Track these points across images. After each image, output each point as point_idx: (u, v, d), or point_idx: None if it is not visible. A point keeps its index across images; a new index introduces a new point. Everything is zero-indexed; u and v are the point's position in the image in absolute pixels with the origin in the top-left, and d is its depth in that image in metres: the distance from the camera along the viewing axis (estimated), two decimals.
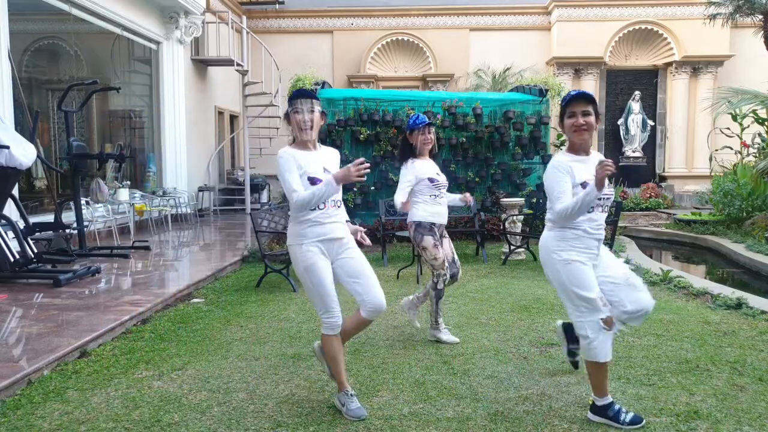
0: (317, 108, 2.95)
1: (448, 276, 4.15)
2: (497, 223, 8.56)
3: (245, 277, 6.53)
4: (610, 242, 6.70)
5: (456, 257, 4.30)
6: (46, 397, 3.18)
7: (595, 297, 2.73)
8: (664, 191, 13.89)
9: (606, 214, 2.89)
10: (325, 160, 2.98)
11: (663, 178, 14.86)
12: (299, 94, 2.95)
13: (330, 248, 2.94)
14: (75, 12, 8.57)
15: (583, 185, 2.71)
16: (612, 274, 2.87)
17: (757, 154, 10.58)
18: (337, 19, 15.18)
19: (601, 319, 2.72)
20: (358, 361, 3.76)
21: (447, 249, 4.22)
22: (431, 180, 4.10)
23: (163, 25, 10.75)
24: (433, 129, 4.18)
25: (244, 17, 14.81)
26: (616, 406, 2.81)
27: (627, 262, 6.94)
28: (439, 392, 3.24)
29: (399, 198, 4.10)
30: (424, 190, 4.12)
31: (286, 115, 3.02)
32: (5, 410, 3.02)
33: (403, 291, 5.73)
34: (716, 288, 5.55)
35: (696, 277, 6.30)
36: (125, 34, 9.89)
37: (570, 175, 2.75)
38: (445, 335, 4.17)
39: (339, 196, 2.97)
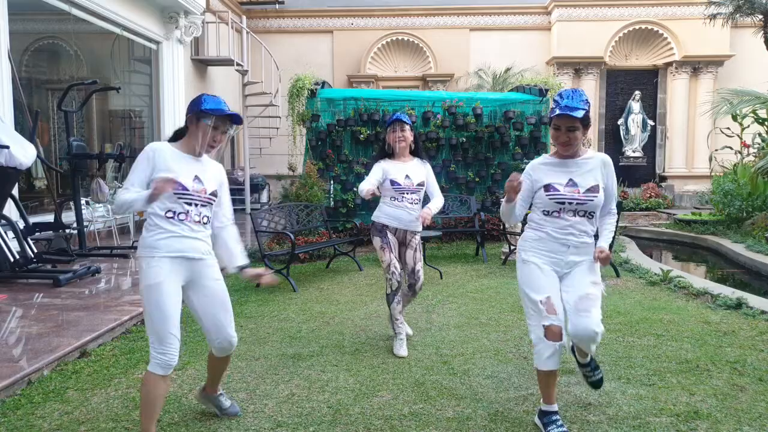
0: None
1: (394, 281, 3.92)
2: (497, 223, 8.56)
3: None
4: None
5: (418, 269, 4.03)
6: (46, 397, 3.18)
7: (538, 300, 2.67)
8: (664, 191, 13.88)
9: (586, 220, 2.72)
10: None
11: (663, 178, 14.85)
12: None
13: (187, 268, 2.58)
14: (75, 12, 8.57)
15: (546, 188, 2.73)
16: (568, 294, 2.73)
17: (757, 154, 10.57)
18: (337, 19, 15.17)
19: (544, 325, 2.65)
20: (358, 361, 3.76)
21: (409, 258, 4.02)
22: (393, 182, 3.91)
23: (163, 25, 10.75)
24: (407, 127, 3.94)
25: (244, 17, 14.80)
26: (553, 417, 2.73)
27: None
28: (439, 392, 3.24)
29: (363, 185, 3.84)
30: (386, 191, 3.97)
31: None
32: (5, 410, 3.02)
33: None
34: (716, 288, 5.55)
35: (696, 277, 6.30)
36: (125, 34, 9.88)
37: (529, 179, 2.79)
38: (395, 347, 3.92)
39: (206, 211, 2.63)
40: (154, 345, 2.48)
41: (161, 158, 2.52)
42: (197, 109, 2.56)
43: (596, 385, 3.02)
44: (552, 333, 2.64)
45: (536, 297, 2.69)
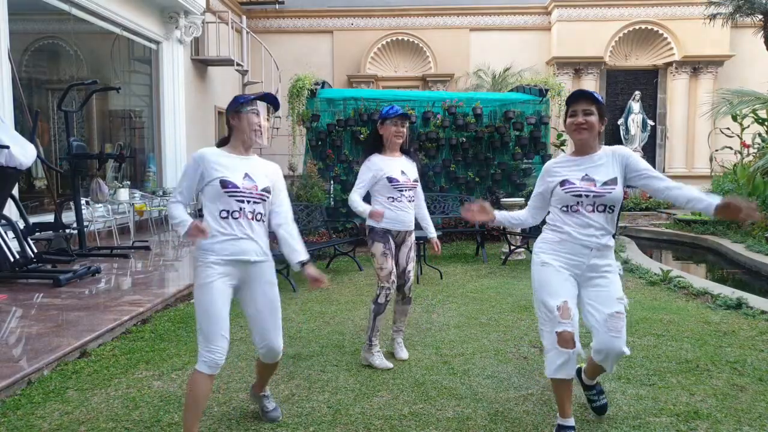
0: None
1: (392, 293, 3.68)
2: None
3: None
4: None
5: (409, 269, 3.78)
6: (46, 397, 3.18)
7: (555, 305, 2.54)
8: None
9: (605, 216, 2.61)
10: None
11: None
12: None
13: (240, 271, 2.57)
14: (75, 12, 8.57)
15: (562, 183, 2.64)
16: (595, 311, 2.60)
17: (757, 154, 10.57)
18: (337, 19, 15.18)
19: (557, 332, 2.52)
20: (358, 361, 3.76)
21: (402, 258, 3.75)
22: (390, 179, 3.60)
23: (163, 25, 10.75)
24: (407, 123, 3.69)
25: (244, 17, 14.80)
26: None
27: (627, 262, 6.93)
28: (439, 392, 3.24)
29: (355, 198, 3.63)
30: (381, 191, 3.65)
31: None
32: (5, 410, 3.02)
33: None
34: (716, 288, 5.54)
35: (696, 277, 6.29)
36: (125, 34, 9.88)
37: (544, 181, 2.77)
38: (378, 359, 3.65)
39: (259, 208, 2.58)
40: (201, 344, 2.46)
41: (208, 161, 2.54)
42: (235, 106, 2.60)
43: (601, 410, 2.89)
44: (564, 340, 2.50)
45: (553, 302, 2.56)
